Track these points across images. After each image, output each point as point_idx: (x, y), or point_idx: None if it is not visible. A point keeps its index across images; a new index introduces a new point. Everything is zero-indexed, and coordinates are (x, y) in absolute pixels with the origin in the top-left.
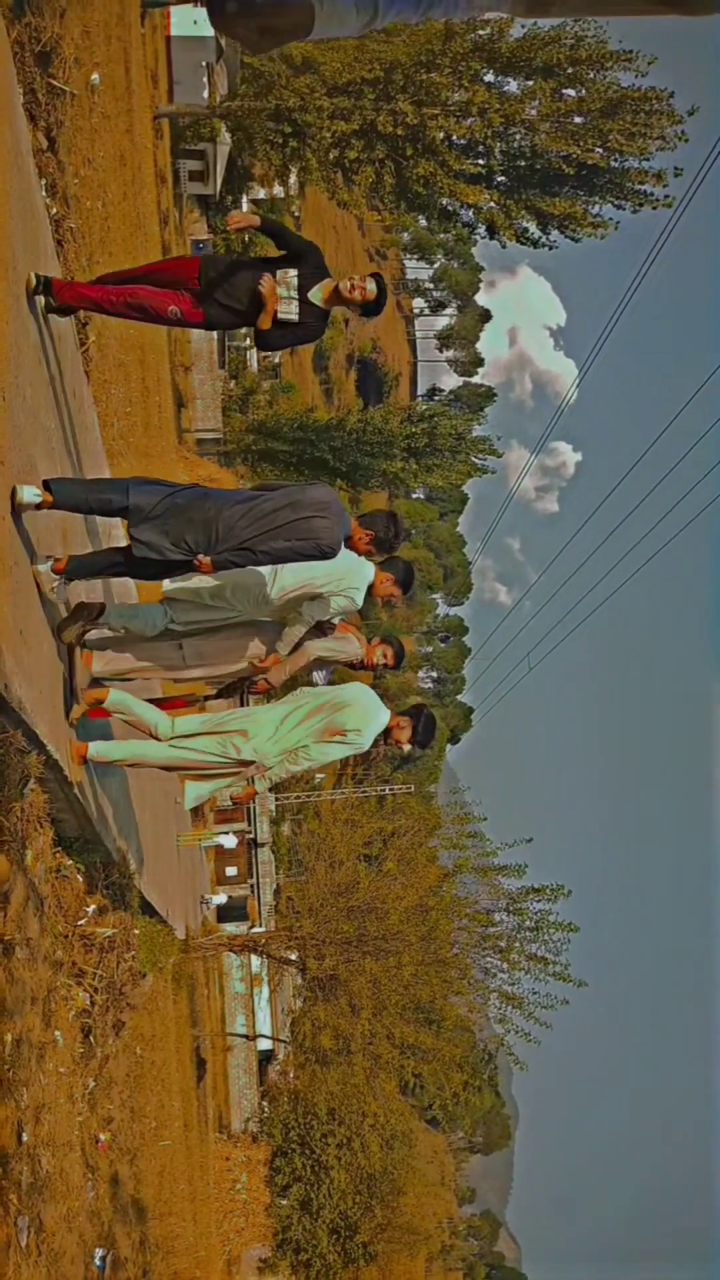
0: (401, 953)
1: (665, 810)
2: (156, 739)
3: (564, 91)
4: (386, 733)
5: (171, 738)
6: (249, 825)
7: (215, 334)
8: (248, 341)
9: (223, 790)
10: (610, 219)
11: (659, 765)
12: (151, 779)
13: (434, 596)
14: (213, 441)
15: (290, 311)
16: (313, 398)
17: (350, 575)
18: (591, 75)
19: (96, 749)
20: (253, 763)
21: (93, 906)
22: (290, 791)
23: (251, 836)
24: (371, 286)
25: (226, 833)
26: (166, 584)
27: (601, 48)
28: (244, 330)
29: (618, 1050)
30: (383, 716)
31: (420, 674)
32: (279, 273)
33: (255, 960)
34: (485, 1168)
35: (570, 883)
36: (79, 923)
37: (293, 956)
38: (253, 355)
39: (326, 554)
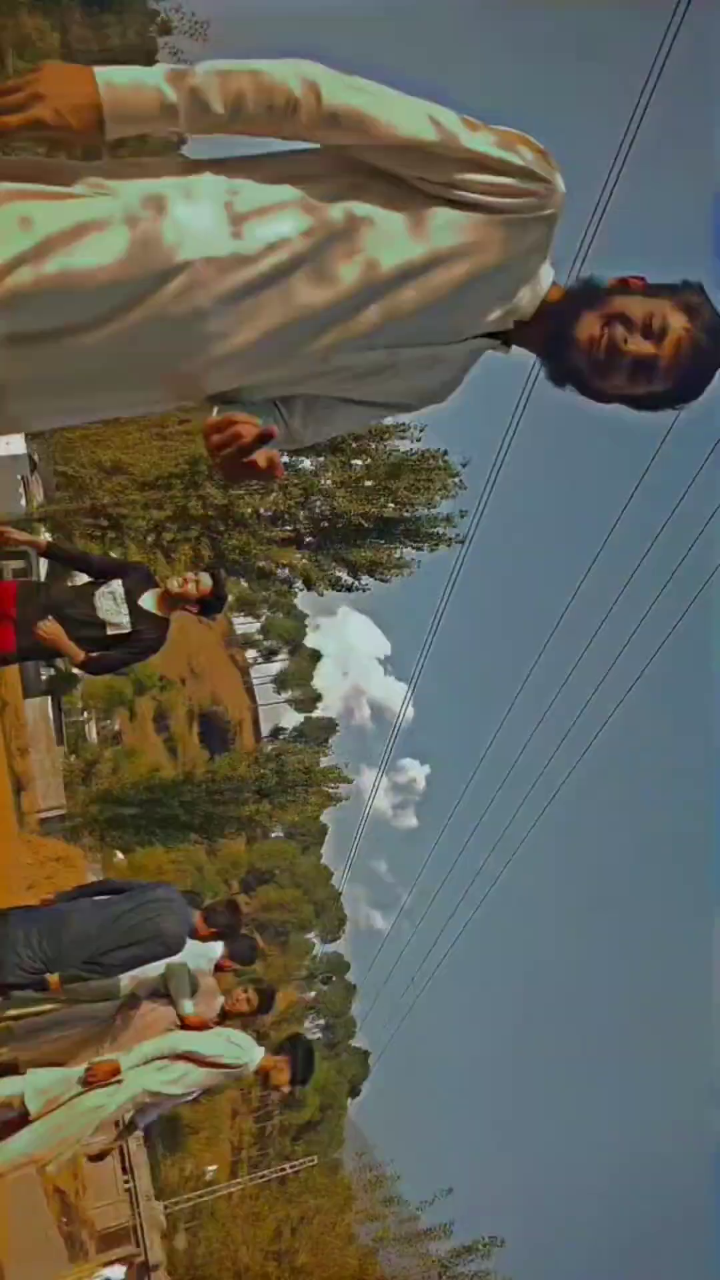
0: None
1: (580, 1122)
2: (24, 1118)
3: (352, 462)
4: (265, 1076)
5: (34, 1096)
6: (137, 1246)
7: (50, 713)
8: (85, 715)
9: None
10: (412, 559)
11: (570, 1065)
12: (18, 1212)
13: (309, 936)
14: (57, 819)
15: (120, 623)
16: (157, 757)
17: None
18: (373, 446)
19: None
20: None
21: None
22: (181, 1194)
23: (142, 1260)
24: (206, 580)
25: (112, 1262)
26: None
27: (378, 424)
28: (79, 685)
29: None
30: (257, 1050)
31: (307, 1023)
32: (104, 584)
33: None
34: None
35: (502, 1228)
36: None
37: None
38: (91, 727)
39: (173, 951)
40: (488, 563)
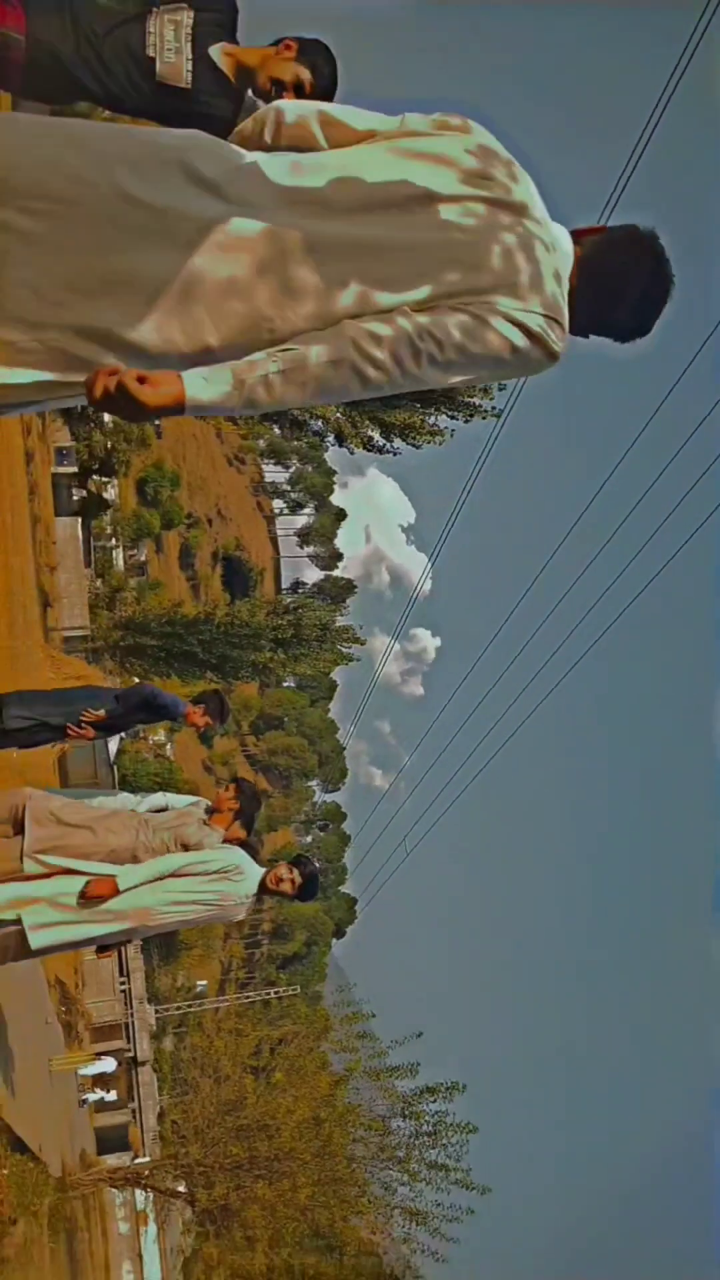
0: (296, 1173)
1: (552, 988)
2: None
3: None
4: (265, 888)
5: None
6: (128, 1042)
7: (80, 535)
8: (114, 541)
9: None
10: (446, 428)
11: (541, 941)
12: (20, 998)
13: (310, 784)
14: (80, 639)
15: (175, 69)
16: (180, 593)
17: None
18: None
19: None
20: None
21: None
22: (172, 1002)
23: (131, 1055)
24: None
25: (104, 1053)
26: None
27: None
28: (109, 510)
29: (527, 1259)
30: (258, 870)
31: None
32: (165, 10)
33: (140, 1195)
34: None
35: (465, 1076)
36: None
37: (180, 1188)
38: (118, 554)
39: (168, 712)
40: (521, 443)
